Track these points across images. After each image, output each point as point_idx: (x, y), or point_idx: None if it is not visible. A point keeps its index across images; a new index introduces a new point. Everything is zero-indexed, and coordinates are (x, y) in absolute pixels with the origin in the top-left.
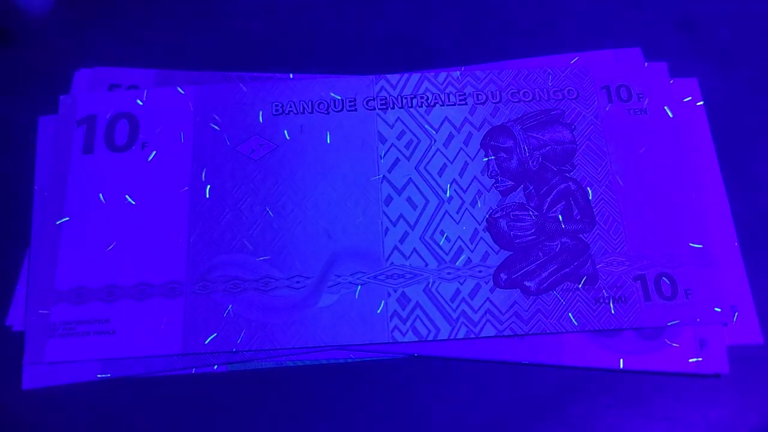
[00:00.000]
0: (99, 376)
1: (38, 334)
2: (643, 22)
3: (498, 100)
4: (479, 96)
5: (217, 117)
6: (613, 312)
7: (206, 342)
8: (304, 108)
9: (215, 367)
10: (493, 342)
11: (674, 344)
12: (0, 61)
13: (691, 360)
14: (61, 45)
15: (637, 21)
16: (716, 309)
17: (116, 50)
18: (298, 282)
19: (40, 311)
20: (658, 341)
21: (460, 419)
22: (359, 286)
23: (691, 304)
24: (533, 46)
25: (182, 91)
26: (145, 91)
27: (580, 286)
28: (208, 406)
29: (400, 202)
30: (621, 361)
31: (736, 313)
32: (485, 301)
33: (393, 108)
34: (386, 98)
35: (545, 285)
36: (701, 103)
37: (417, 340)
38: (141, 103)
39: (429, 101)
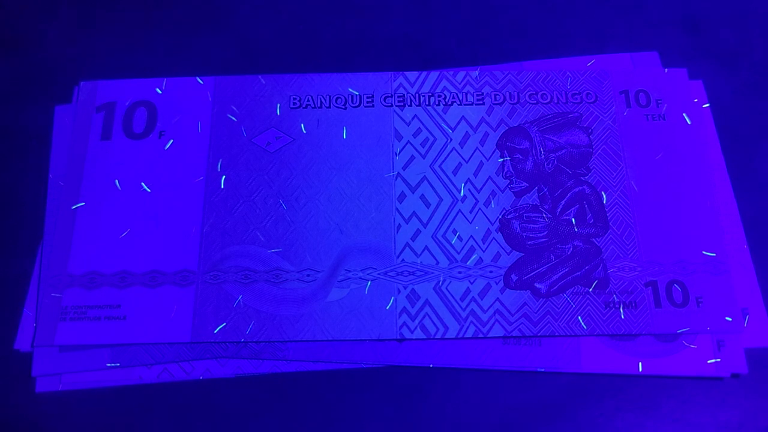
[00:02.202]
0: (108, 365)
1: (49, 317)
2: (647, 24)
3: (516, 101)
4: (497, 96)
5: (234, 108)
6: (623, 317)
7: (215, 331)
8: (321, 102)
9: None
10: (510, 350)
11: (692, 345)
12: (4, 67)
13: (709, 361)
14: (65, 53)
15: (642, 23)
16: (727, 318)
17: (120, 58)
18: (308, 275)
19: (53, 294)
20: (675, 343)
21: (468, 424)
22: (369, 282)
23: (701, 312)
24: (535, 47)
25: (201, 82)
26: (165, 80)
27: (590, 290)
28: (216, 412)
29: (414, 200)
30: (640, 364)
31: (747, 316)
32: (495, 302)
33: (410, 105)
34: (404, 95)
35: (556, 287)
36: (707, 105)
37: (425, 337)
38: (160, 92)
39: (446, 100)
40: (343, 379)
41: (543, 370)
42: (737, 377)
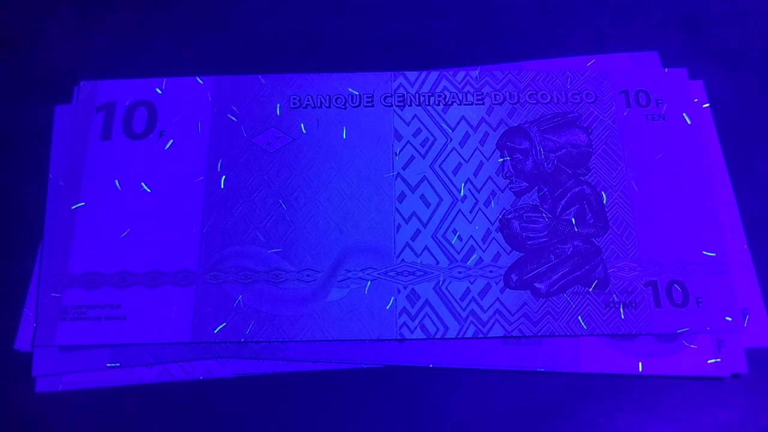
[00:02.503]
0: (108, 365)
1: (49, 317)
2: (647, 24)
3: (516, 101)
4: (497, 96)
5: (234, 108)
6: (623, 317)
7: (215, 331)
8: (321, 102)
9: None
10: (510, 350)
11: (692, 345)
12: (4, 68)
13: (709, 361)
14: (65, 53)
15: (642, 23)
16: (727, 318)
17: (120, 58)
18: (308, 275)
19: (53, 294)
20: (675, 343)
21: (468, 424)
22: (369, 282)
23: (701, 312)
24: (535, 47)
25: (201, 82)
26: (165, 80)
27: (590, 289)
28: (216, 412)
29: (414, 200)
30: (640, 364)
31: (747, 316)
32: (495, 301)
33: (410, 105)
34: (404, 95)
35: (556, 287)
36: (707, 105)
37: (425, 337)
38: (160, 92)
39: (446, 100)
40: (343, 379)
41: (543, 370)
42: (737, 377)
